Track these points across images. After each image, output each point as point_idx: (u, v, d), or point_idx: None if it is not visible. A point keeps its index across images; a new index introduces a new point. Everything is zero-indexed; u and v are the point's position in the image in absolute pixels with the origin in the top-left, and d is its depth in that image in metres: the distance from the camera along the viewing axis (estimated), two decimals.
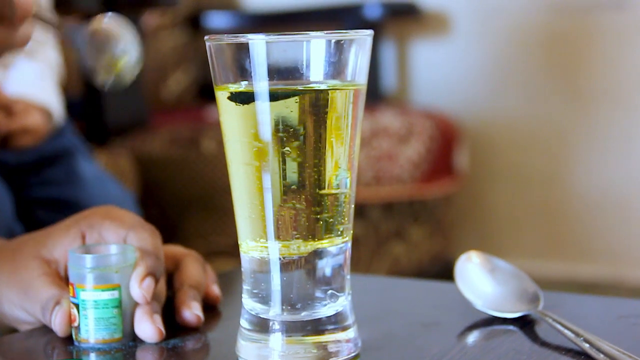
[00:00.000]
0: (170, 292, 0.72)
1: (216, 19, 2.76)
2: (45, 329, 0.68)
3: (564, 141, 2.66)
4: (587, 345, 0.61)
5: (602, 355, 0.59)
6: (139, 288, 0.65)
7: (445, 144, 2.34)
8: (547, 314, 0.66)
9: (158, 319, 0.66)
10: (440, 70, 2.80)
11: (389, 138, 2.20)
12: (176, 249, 0.76)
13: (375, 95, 2.58)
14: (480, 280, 0.73)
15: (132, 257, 0.66)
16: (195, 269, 0.73)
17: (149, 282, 0.65)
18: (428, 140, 2.28)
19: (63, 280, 0.68)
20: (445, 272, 2.31)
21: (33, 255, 0.70)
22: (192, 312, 0.69)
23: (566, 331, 0.63)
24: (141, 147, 1.94)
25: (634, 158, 2.57)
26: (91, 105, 1.91)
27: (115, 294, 0.65)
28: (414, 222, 2.33)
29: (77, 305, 0.65)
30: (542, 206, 2.71)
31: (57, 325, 0.66)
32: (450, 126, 2.40)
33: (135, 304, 0.66)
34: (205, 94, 2.63)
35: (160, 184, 1.96)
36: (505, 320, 0.69)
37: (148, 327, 0.65)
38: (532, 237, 2.73)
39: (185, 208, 1.96)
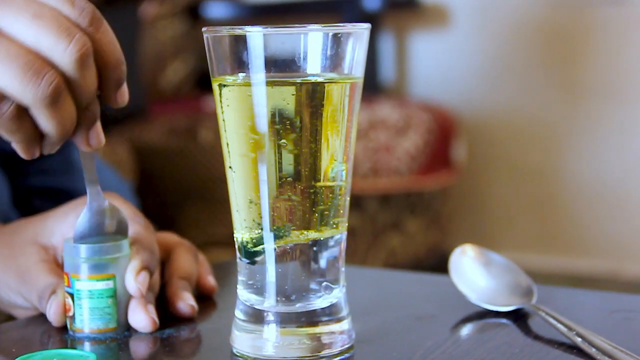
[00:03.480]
0: (162, 282, 0.72)
1: (215, 9, 2.76)
2: (41, 318, 0.68)
3: (561, 135, 2.66)
4: (579, 339, 0.61)
5: (594, 350, 0.59)
6: (135, 282, 0.65)
7: (442, 136, 2.34)
8: (540, 308, 0.67)
9: (152, 309, 0.66)
10: (439, 63, 2.80)
11: (387, 130, 2.21)
12: (169, 238, 0.76)
13: (373, 87, 2.58)
14: (474, 274, 0.73)
15: (127, 247, 0.66)
16: (186, 260, 0.73)
17: (144, 275, 0.65)
18: (425, 132, 2.28)
19: (60, 267, 0.68)
20: (441, 264, 2.31)
21: (31, 240, 0.70)
22: (185, 302, 0.69)
23: (559, 325, 0.64)
24: (139, 137, 1.94)
25: (630, 152, 2.58)
26: None
27: (110, 284, 0.65)
28: (411, 214, 2.34)
29: (72, 295, 0.65)
30: (539, 199, 2.71)
31: (52, 315, 0.66)
32: (447, 119, 2.40)
33: (130, 295, 0.66)
34: (203, 84, 2.63)
35: (157, 173, 1.96)
36: (498, 314, 0.69)
37: (142, 317, 0.65)
38: (529, 230, 2.73)
39: (183, 198, 1.96)
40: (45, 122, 0.55)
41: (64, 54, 0.53)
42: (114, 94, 0.59)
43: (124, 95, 0.59)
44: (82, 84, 0.55)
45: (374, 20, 2.59)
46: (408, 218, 2.33)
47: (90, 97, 0.57)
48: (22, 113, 0.54)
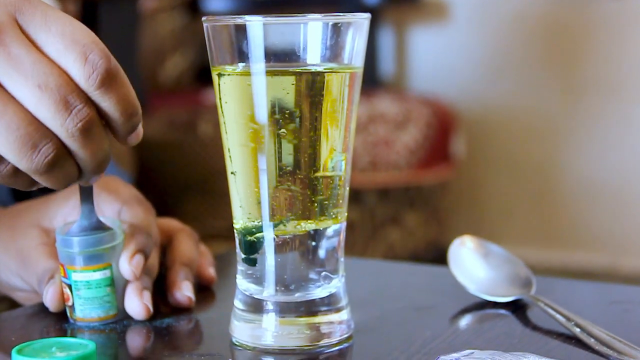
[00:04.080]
0: (163, 268, 0.72)
1: (214, 2, 2.75)
2: (41, 307, 0.68)
3: (560, 129, 2.66)
4: (578, 329, 0.61)
5: (592, 340, 0.60)
6: (129, 265, 0.65)
7: (441, 130, 2.34)
8: (539, 299, 0.67)
9: (147, 295, 0.66)
10: (438, 57, 2.80)
11: (386, 124, 2.21)
12: (170, 223, 0.76)
13: (372, 81, 2.58)
14: (473, 265, 0.73)
15: (121, 233, 0.66)
16: (188, 245, 0.73)
17: (138, 259, 0.65)
18: (425, 126, 2.28)
19: None
20: (439, 258, 2.31)
21: (32, 223, 0.70)
22: (182, 293, 0.69)
23: (558, 316, 0.64)
24: None
25: (629, 147, 2.58)
26: None
27: (107, 272, 0.65)
28: (410, 208, 2.34)
29: (69, 286, 0.65)
30: (538, 194, 2.71)
31: (49, 301, 0.66)
32: (447, 113, 2.40)
33: (128, 280, 0.66)
34: (203, 77, 2.63)
35: (157, 167, 1.96)
36: (497, 305, 0.69)
37: (136, 304, 0.65)
38: (528, 224, 2.74)
39: (182, 191, 1.96)
40: (42, 182, 0.56)
41: (61, 127, 0.53)
42: (126, 137, 0.59)
43: (138, 135, 0.60)
44: (83, 154, 0.55)
45: (374, 14, 2.58)
46: (407, 212, 2.33)
47: (96, 167, 0.57)
48: (19, 171, 0.55)
